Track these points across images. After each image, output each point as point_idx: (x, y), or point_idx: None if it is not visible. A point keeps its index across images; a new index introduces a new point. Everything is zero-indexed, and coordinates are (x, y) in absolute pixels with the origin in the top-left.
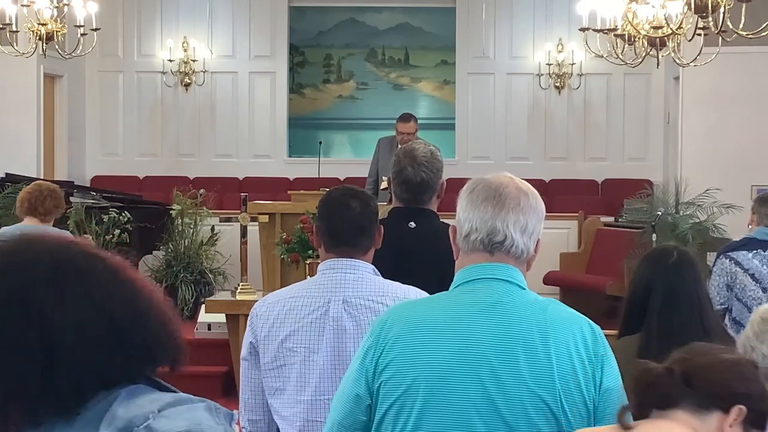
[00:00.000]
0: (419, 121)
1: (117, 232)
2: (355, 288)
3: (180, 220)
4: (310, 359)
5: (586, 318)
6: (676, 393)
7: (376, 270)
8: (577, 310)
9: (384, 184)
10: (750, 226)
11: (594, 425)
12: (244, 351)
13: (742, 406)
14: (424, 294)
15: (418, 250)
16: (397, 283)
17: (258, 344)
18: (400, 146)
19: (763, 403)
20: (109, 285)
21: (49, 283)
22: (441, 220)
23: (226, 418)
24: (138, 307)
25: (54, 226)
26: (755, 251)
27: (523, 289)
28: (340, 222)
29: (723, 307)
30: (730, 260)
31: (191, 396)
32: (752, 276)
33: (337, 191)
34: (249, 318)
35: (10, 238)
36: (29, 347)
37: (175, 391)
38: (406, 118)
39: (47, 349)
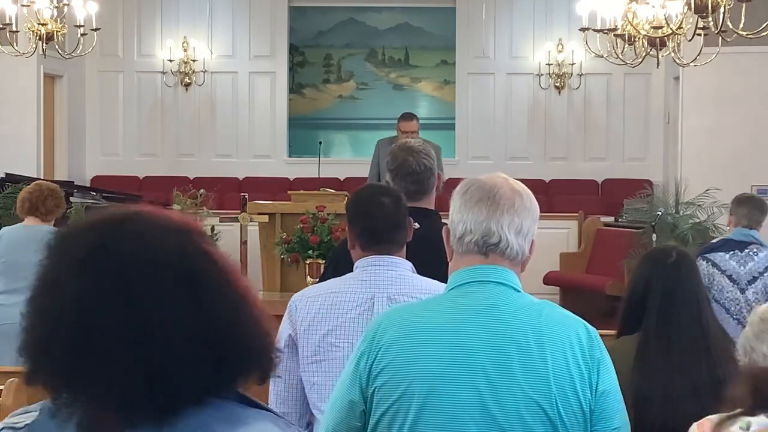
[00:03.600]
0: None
1: None
2: (398, 285)
3: None
4: None
5: (582, 320)
6: None
7: (413, 267)
8: (577, 310)
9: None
10: (728, 227)
11: (590, 429)
12: (279, 343)
13: None
14: None
15: (419, 251)
16: (436, 281)
17: (297, 337)
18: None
19: None
20: (219, 291)
21: (171, 284)
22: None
23: None
24: (241, 316)
25: (54, 226)
26: (732, 252)
27: (518, 291)
28: (376, 220)
29: None
30: (707, 262)
31: (281, 417)
32: (729, 277)
33: (366, 191)
34: (287, 311)
35: (146, 214)
36: (135, 349)
37: (264, 407)
38: (409, 117)
39: (154, 353)
